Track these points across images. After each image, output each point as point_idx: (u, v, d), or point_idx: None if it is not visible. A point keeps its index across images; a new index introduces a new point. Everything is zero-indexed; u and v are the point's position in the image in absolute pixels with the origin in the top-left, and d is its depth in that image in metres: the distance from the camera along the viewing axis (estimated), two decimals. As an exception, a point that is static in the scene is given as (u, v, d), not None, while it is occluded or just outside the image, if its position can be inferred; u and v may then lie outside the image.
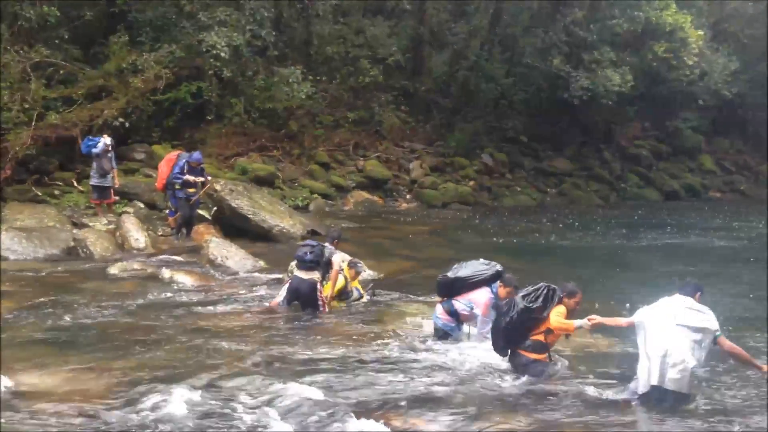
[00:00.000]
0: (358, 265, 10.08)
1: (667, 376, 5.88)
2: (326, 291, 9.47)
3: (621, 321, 6.52)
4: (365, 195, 21.72)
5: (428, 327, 8.45)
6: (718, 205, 26.70)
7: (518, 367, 6.90)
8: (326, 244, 9.64)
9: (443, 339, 8.01)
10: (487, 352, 7.49)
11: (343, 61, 24.59)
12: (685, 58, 25.21)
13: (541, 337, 6.80)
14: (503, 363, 7.21)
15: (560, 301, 6.84)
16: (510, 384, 6.74)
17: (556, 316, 6.74)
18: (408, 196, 22.87)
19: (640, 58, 25.61)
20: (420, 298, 10.28)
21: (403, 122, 25.49)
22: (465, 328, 8.14)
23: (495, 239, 16.77)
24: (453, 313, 8.01)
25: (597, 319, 6.59)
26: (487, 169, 25.28)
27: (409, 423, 5.68)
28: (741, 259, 14.88)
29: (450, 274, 8.06)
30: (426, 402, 6.14)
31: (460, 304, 7.97)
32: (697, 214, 23.36)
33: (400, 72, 26.18)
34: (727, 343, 6.07)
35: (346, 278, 9.84)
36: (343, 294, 9.83)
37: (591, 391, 6.61)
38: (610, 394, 6.51)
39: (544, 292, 6.81)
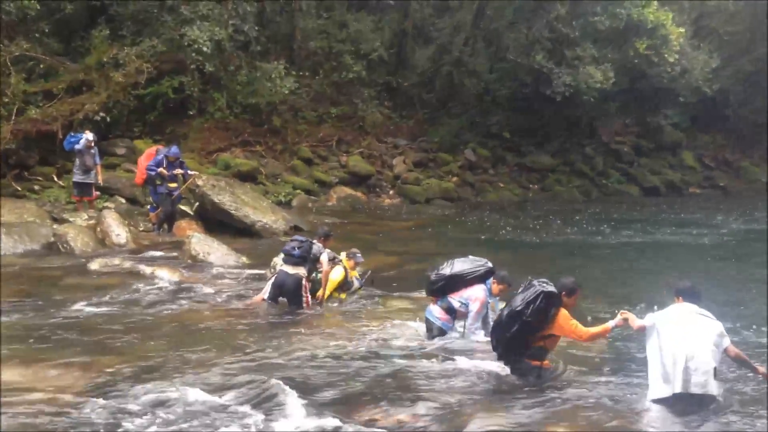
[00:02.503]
0: (357, 255, 9.97)
1: (691, 382, 5.75)
2: (318, 293, 9.47)
3: (637, 323, 6.24)
4: (348, 190, 21.69)
5: (414, 326, 8.46)
6: (698, 201, 26.91)
7: (519, 373, 6.71)
8: (315, 241, 9.61)
9: (437, 337, 7.92)
10: (472, 349, 7.54)
11: (327, 56, 24.53)
12: (666, 55, 25.35)
13: (541, 343, 6.60)
14: (491, 360, 7.20)
15: (560, 303, 6.51)
16: (497, 382, 6.71)
17: (570, 324, 6.45)
18: (391, 192, 22.87)
19: (621, 54, 25.71)
20: (404, 294, 10.28)
21: (387, 118, 25.47)
22: (457, 326, 8.10)
23: (478, 234, 16.82)
24: (451, 311, 7.91)
25: (627, 314, 6.33)
26: (470, 165, 25.34)
27: (391, 418, 5.68)
28: (721, 255, 15.01)
29: (445, 272, 7.93)
30: (408, 397, 6.13)
31: (456, 301, 7.89)
32: (677, 209, 23.53)
33: (384, 67, 26.15)
34: (734, 350, 5.98)
35: (345, 269, 9.78)
36: (344, 285, 9.79)
37: (580, 390, 6.56)
38: (598, 394, 6.48)
39: (542, 301, 6.42)
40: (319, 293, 9.47)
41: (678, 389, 5.80)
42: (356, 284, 9.99)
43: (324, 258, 9.47)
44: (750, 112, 34.18)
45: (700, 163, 32.60)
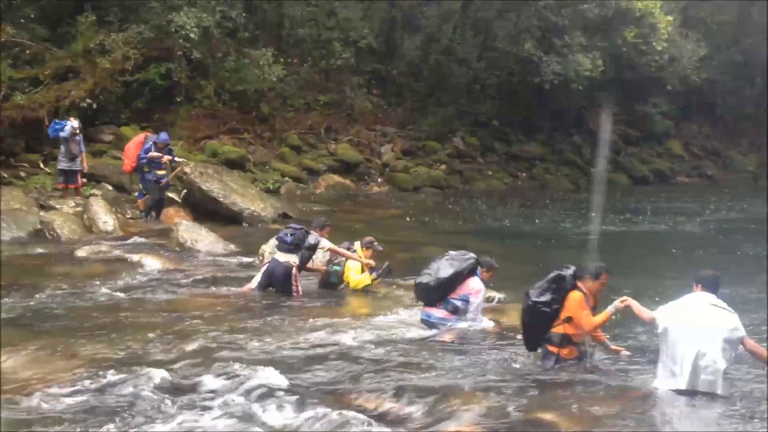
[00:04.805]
0: (374, 244, 9.80)
1: (699, 379, 5.70)
2: (352, 281, 9.54)
3: (645, 313, 6.11)
4: (337, 178, 21.66)
5: (404, 314, 8.46)
6: (686, 190, 27.03)
7: (542, 358, 6.62)
8: (312, 231, 9.52)
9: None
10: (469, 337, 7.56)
11: (315, 43, 24.44)
12: (654, 44, 25.42)
13: (561, 330, 6.46)
14: (486, 348, 7.20)
15: (573, 287, 6.43)
16: (493, 369, 6.68)
17: (576, 308, 6.35)
18: (379, 180, 22.85)
19: (610, 43, 25.76)
20: (394, 281, 10.26)
21: (375, 106, 25.43)
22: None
23: (467, 223, 16.84)
24: (456, 311, 7.88)
25: (629, 300, 6.18)
26: (459, 153, 25.35)
27: (379, 406, 5.66)
28: (711, 245, 15.09)
29: (444, 275, 7.82)
30: (398, 385, 6.12)
31: (457, 300, 7.86)
32: (665, 199, 23.64)
33: (373, 55, 26.08)
34: (750, 343, 5.86)
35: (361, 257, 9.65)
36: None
37: (580, 377, 6.45)
38: (597, 382, 6.37)
39: (553, 281, 6.41)
40: (358, 281, 9.49)
41: (684, 386, 5.74)
42: (373, 274, 9.74)
43: (326, 243, 9.40)
44: (737, 101, 34.36)
45: (688, 153, 32.76)
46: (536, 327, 6.58)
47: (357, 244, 9.75)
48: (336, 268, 9.73)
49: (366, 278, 9.59)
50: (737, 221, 18.81)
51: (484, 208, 19.57)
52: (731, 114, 34.84)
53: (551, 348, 6.53)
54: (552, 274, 6.48)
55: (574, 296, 6.40)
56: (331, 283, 9.78)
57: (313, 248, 9.38)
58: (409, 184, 22.61)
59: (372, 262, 9.63)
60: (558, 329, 6.47)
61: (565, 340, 6.48)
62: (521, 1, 25.24)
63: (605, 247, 14.38)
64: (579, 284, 6.46)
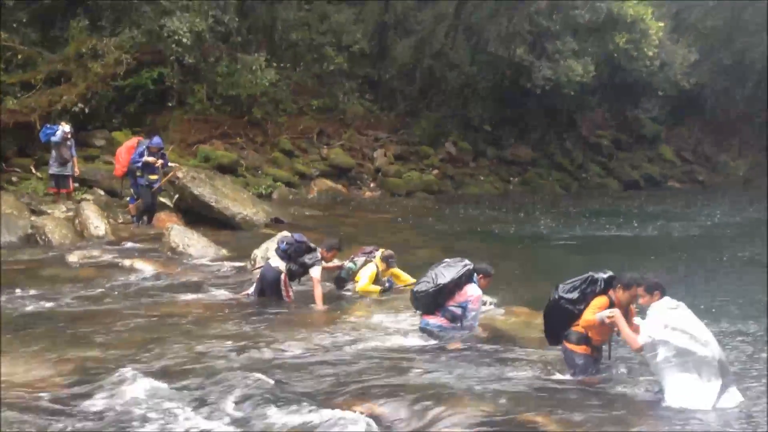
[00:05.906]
0: (390, 260, 9.78)
1: (726, 394, 5.65)
2: (360, 285, 9.53)
3: (632, 339, 5.97)
4: (329, 183, 21.68)
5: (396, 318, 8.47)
6: (677, 195, 27.12)
7: (563, 357, 6.63)
8: (318, 249, 9.38)
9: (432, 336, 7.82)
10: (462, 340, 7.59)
11: (308, 47, 24.44)
12: (645, 49, 25.56)
13: (580, 328, 6.41)
14: (473, 352, 7.22)
15: (603, 292, 6.34)
16: (483, 372, 6.69)
17: (591, 309, 6.30)
18: (372, 185, 22.88)
19: (601, 48, 25.88)
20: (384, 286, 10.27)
21: (368, 110, 25.46)
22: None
23: (459, 227, 16.87)
24: (455, 318, 7.74)
25: (616, 318, 6.05)
26: (451, 158, 25.41)
27: (372, 410, 5.67)
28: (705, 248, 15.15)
29: (442, 281, 7.67)
30: (388, 388, 6.12)
31: (456, 308, 7.72)
32: (655, 204, 23.72)
33: (365, 59, 26.11)
34: None
35: (377, 267, 9.67)
36: (375, 283, 9.70)
37: (577, 380, 6.47)
38: (595, 386, 6.41)
39: (584, 281, 6.38)
40: (366, 288, 9.49)
41: (713, 404, 5.63)
42: (386, 285, 9.72)
43: (315, 273, 9.14)
44: (729, 106, 34.51)
45: (679, 157, 32.88)
46: (555, 322, 6.58)
47: (378, 253, 9.77)
48: (351, 265, 9.74)
49: (374, 290, 9.59)
50: (729, 226, 18.87)
51: (476, 213, 19.60)
52: (722, 118, 34.97)
53: (567, 344, 6.52)
54: (585, 275, 6.45)
55: (598, 299, 6.36)
56: (341, 279, 9.81)
57: (305, 267, 9.20)
58: (401, 189, 22.65)
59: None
60: (578, 328, 6.44)
61: (583, 340, 6.45)
62: (513, 6, 25.33)
63: (597, 252, 14.49)
64: (610, 292, 6.37)
